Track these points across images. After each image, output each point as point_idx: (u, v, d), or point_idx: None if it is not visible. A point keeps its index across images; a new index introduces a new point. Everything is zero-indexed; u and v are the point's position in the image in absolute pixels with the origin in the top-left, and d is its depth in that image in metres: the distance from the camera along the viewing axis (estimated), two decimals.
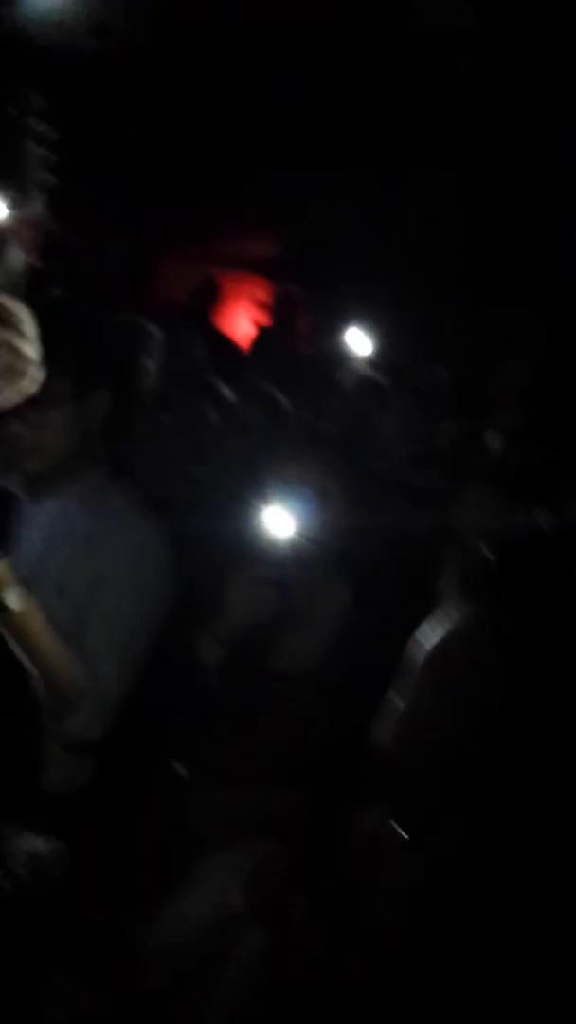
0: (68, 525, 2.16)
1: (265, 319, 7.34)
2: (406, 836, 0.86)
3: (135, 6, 4.43)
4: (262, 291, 8.10)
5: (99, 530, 2.16)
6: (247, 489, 2.23)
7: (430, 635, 0.89)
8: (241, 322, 7.71)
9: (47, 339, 1.48)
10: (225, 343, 5.28)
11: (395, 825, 0.86)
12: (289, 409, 3.47)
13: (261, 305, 8.01)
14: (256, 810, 1.92)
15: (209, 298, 6.75)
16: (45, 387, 1.99)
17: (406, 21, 4.12)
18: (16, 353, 1.44)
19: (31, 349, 1.45)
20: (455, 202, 5.36)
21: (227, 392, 3.59)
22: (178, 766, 2.00)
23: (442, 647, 0.88)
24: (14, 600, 1.78)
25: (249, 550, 2.07)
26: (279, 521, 2.04)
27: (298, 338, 6.61)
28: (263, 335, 6.12)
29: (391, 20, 4.08)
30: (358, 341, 4.38)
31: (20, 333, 1.44)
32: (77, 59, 4.83)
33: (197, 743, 2.03)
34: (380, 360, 4.15)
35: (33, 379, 1.47)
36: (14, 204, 1.45)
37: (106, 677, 2.02)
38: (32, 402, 2.04)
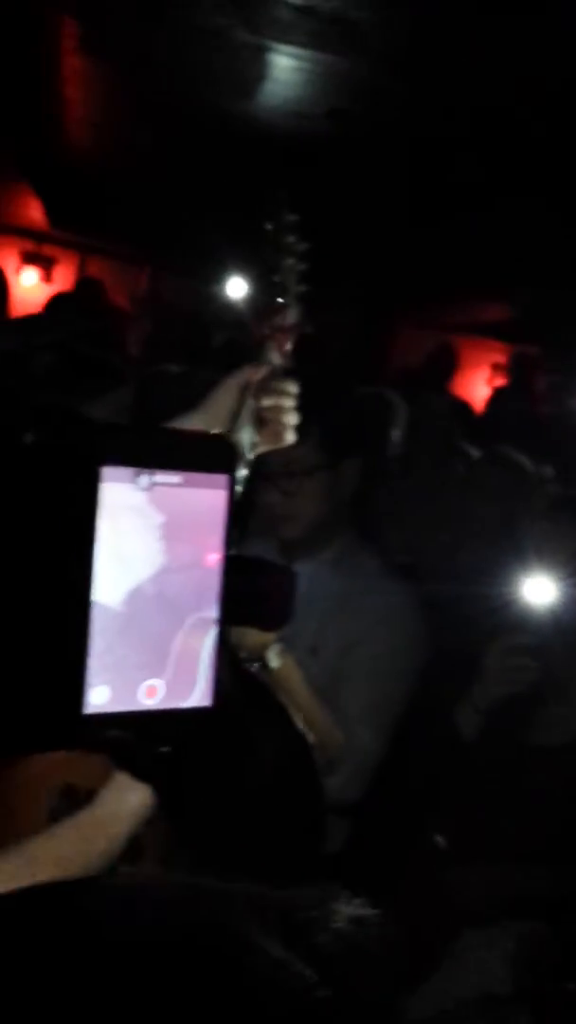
0: (321, 589, 2.21)
1: (503, 382, 7.27)
2: None
3: (365, 87, 4.57)
4: (498, 355, 8.04)
5: (351, 594, 2.21)
6: (503, 554, 2.19)
7: None
8: (479, 387, 7.67)
9: (302, 413, 1.63)
10: (464, 408, 5.27)
11: None
12: (535, 472, 3.40)
13: (498, 369, 7.93)
14: (519, 887, 1.85)
15: (446, 364, 6.78)
16: (300, 458, 2.09)
17: None
18: (283, 423, 1.61)
19: (293, 419, 1.62)
20: None
21: (473, 456, 3.57)
22: (438, 838, 1.96)
23: None
24: (274, 658, 1.84)
25: (508, 617, 2.03)
26: (539, 588, 1.99)
27: (538, 400, 6.49)
28: (502, 398, 6.06)
29: None
30: None
31: (289, 405, 1.61)
32: (314, 145, 5.04)
33: (457, 814, 1.99)
34: None
35: (287, 441, 1.64)
36: (273, 317, 1.62)
37: (363, 739, 2.04)
38: (287, 473, 2.16)
